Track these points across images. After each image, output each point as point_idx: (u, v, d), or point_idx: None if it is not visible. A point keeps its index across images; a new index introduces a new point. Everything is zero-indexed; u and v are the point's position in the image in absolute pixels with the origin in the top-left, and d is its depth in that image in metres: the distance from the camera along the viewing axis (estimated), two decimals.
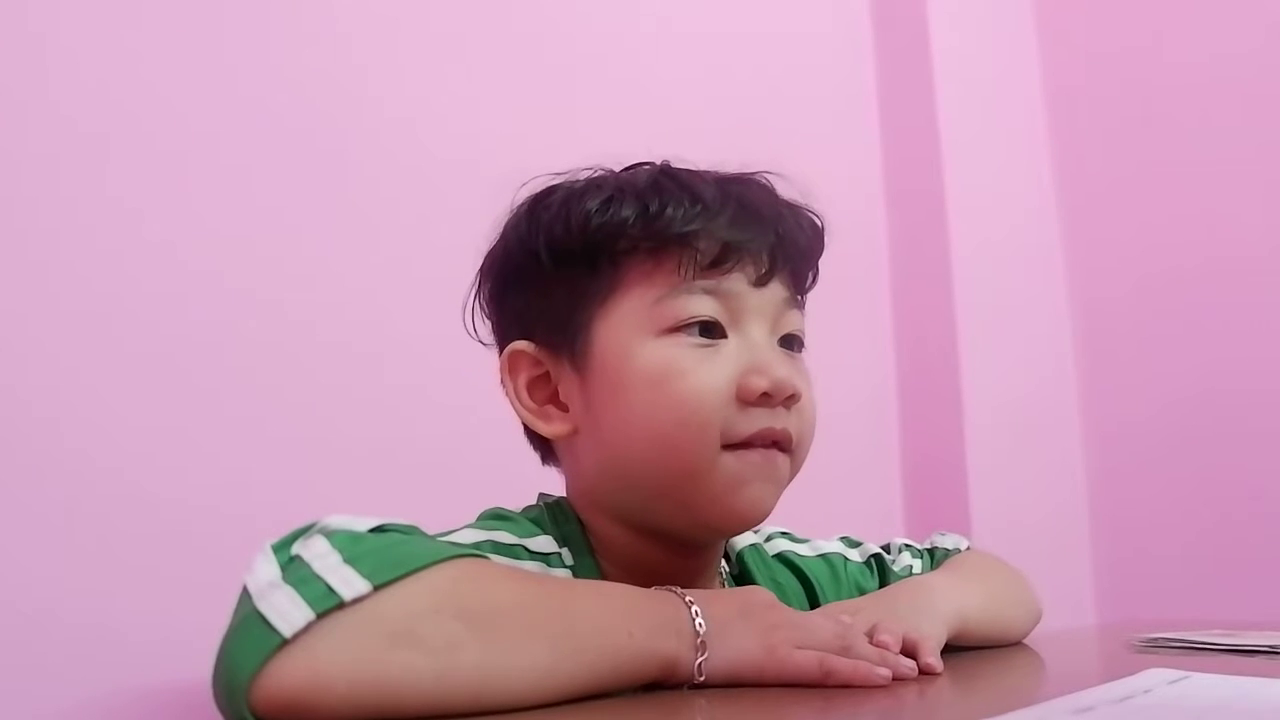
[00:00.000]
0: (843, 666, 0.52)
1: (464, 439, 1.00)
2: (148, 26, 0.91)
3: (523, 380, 0.65)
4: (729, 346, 0.61)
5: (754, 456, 0.60)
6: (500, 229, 0.67)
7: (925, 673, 0.55)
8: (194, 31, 0.93)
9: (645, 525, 0.63)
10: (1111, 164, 1.57)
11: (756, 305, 0.62)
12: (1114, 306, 1.55)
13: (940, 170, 1.50)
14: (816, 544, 0.79)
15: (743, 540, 0.75)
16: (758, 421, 0.60)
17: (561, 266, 0.63)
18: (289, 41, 0.99)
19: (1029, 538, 1.39)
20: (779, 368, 0.60)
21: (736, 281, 0.61)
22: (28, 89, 0.84)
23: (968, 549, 0.84)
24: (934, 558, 0.82)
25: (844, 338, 1.40)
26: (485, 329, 0.69)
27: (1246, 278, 1.40)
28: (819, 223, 0.67)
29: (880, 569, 0.80)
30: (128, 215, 0.87)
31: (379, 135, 1.03)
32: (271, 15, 0.98)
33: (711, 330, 0.61)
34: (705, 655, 0.51)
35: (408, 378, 1.00)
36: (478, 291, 0.69)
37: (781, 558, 0.76)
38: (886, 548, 0.82)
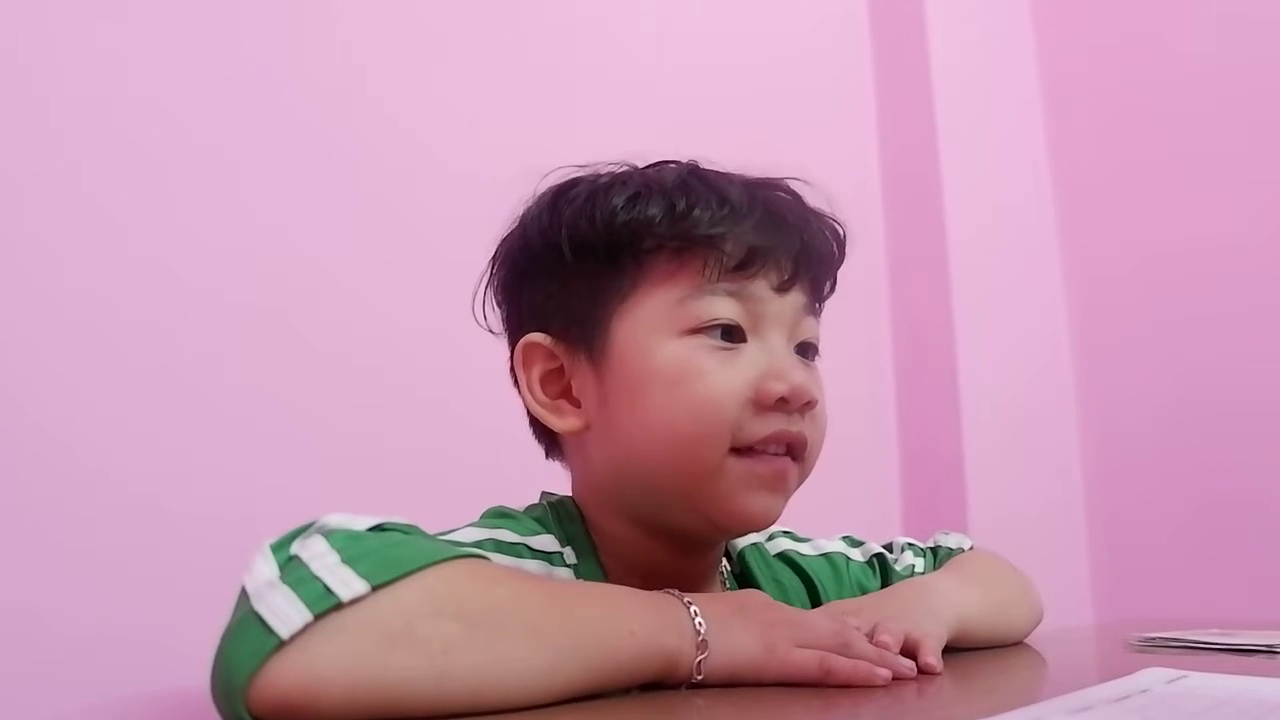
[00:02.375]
0: (843, 666, 0.52)
1: (464, 442, 1.00)
2: (143, 36, 0.90)
3: (536, 373, 0.65)
4: (748, 351, 0.61)
5: (761, 467, 0.60)
6: (519, 217, 0.67)
7: (925, 673, 0.55)
8: (190, 40, 0.93)
9: (653, 523, 0.63)
10: (1108, 157, 1.57)
11: (777, 311, 0.62)
12: (1111, 301, 1.55)
13: (937, 164, 1.50)
14: (819, 543, 0.79)
15: (744, 540, 0.75)
16: (772, 425, 0.60)
17: (583, 261, 0.62)
18: (287, 46, 0.99)
19: (1026, 534, 1.38)
20: (797, 374, 0.60)
21: (759, 286, 0.61)
22: (15, 95, 0.83)
23: (970, 549, 0.84)
24: (937, 557, 0.82)
25: (841, 333, 1.39)
26: (494, 317, 0.69)
27: (1244, 272, 1.40)
28: (841, 232, 0.67)
29: (883, 568, 0.80)
30: (126, 225, 0.87)
31: (377, 138, 1.03)
32: (269, 20, 0.98)
33: (732, 334, 0.61)
34: (706, 654, 0.51)
35: (407, 381, 1.00)
36: (490, 278, 0.69)
37: (783, 557, 0.76)
38: (889, 547, 0.82)
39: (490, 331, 0.69)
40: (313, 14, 1.01)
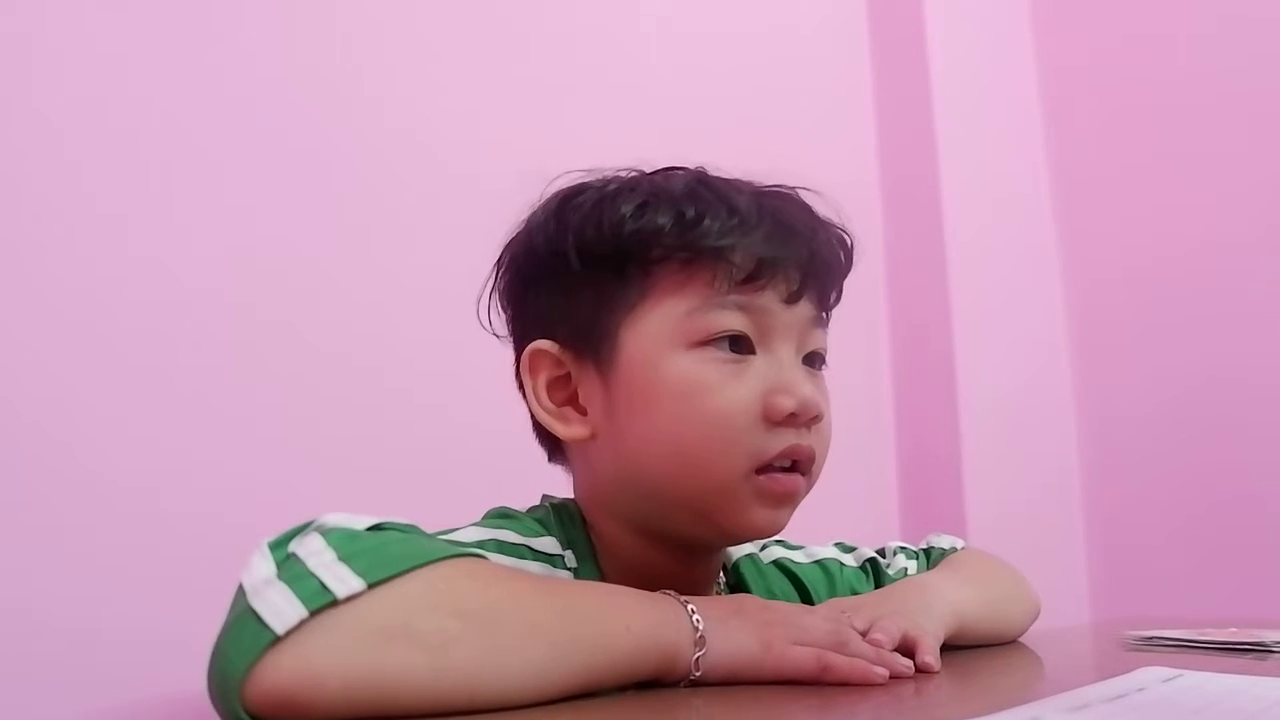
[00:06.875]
0: (840, 663, 0.52)
1: (462, 444, 1.00)
2: (142, 37, 0.90)
3: (543, 380, 0.64)
4: (756, 364, 0.61)
5: (775, 486, 0.60)
6: (524, 221, 0.66)
7: (922, 671, 0.55)
8: (187, 40, 0.93)
9: (656, 531, 0.63)
10: (1106, 156, 1.58)
11: (785, 323, 0.62)
12: (1109, 300, 1.56)
13: (935, 164, 1.51)
14: (811, 550, 0.79)
15: (739, 551, 0.75)
16: (783, 440, 0.60)
17: (590, 270, 0.62)
18: (285, 46, 0.99)
19: (1023, 533, 1.39)
20: (805, 387, 0.60)
21: (768, 298, 0.61)
22: (13, 95, 0.83)
23: (964, 548, 0.84)
24: (929, 558, 0.82)
25: (839, 332, 1.39)
26: (499, 321, 0.68)
27: (1241, 270, 1.40)
28: (849, 241, 0.67)
29: (876, 573, 0.80)
30: (123, 225, 0.87)
31: (375, 140, 1.03)
32: (266, 20, 0.98)
33: (741, 345, 0.60)
34: (704, 651, 0.51)
35: (405, 383, 1.00)
36: (495, 282, 0.68)
37: (777, 564, 0.76)
38: (881, 552, 0.82)
39: (495, 336, 0.68)
40: (311, 15, 1.01)
